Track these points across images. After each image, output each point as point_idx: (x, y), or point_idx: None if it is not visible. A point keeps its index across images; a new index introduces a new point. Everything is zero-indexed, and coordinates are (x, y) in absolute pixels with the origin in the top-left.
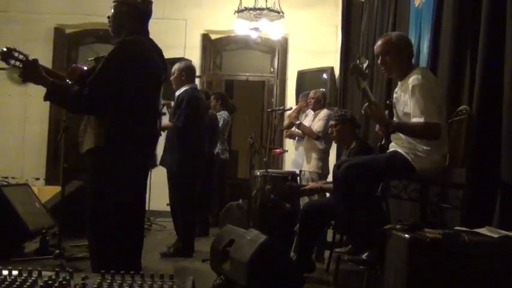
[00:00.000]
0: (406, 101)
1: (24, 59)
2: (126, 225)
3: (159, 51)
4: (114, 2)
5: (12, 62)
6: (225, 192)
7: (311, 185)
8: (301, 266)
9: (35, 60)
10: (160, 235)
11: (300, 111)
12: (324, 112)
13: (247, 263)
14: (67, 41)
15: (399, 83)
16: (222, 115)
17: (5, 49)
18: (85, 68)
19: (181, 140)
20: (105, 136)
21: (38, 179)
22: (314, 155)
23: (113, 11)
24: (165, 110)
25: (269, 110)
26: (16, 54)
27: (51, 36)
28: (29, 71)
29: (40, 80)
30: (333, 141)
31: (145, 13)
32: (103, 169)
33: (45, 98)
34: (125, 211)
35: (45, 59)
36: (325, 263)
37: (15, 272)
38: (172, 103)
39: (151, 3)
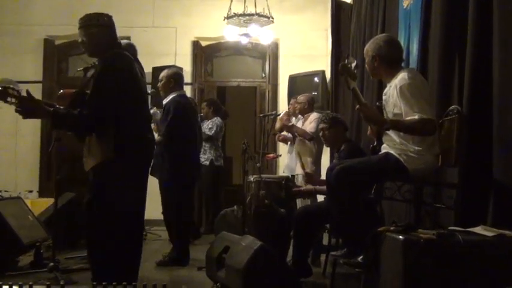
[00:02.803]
0: (395, 101)
1: (18, 95)
2: (130, 236)
3: (137, 61)
4: (80, 28)
5: (9, 99)
6: (221, 200)
7: (306, 187)
8: (298, 270)
9: (28, 95)
10: (156, 244)
11: (289, 116)
12: (314, 115)
13: (243, 269)
14: (57, 52)
15: (388, 85)
16: (215, 122)
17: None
18: (73, 91)
19: (169, 150)
20: (112, 150)
21: (31, 191)
22: (306, 159)
23: (83, 36)
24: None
25: (261, 115)
26: (10, 91)
27: (41, 47)
28: (27, 109)
29: (40, 114)
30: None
31: (112, 27)
32: (112, 182)
33: (51, 128)
34: (131, 223)
35: (36, 70)
36: (321, 267)
37: (6, 287)
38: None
39: (111, 16)
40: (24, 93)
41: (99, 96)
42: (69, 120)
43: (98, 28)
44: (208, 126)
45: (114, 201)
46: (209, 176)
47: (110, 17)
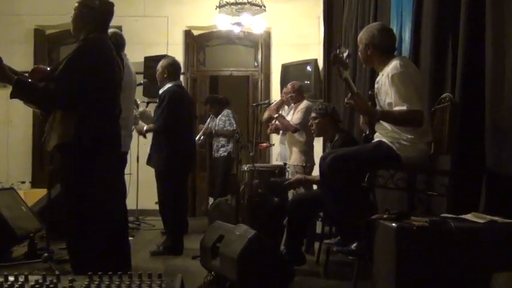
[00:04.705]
0: (387, 90)
1: None
2: (99, 224)
3: (119, 54)
4: (76, 3)
5: None
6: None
7: (296, 177)
8: (291, 258)
9: None
10: (150, 234)
11: (281, 105)
12: (303, 104)
13: (237, 258)
14: (48, 42)
15: (380, 73)
16: (228, 114)
17: None
18: (48, 68)
19: (166, 139)
20: (73, 132)
21: (23, 182)
22: (295, 149)
23: (73, 12)
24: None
25: (254, 104)
26: None
27: (32, 37)
28: None
29: (4, 78)
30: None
31: (105, 14)
32: (70, 165)
33: (12, 96)
34: (94, 206)
35: (26, 60)
36: (315, 255)
37: (0, 279)
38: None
39: (111, 4)
40: None
41: (68, 74)
42: (33, 90)
43: (88, 9)
44: (226, 122)
45: (77, 185)
46: (225, 167)
47: (104, 3)
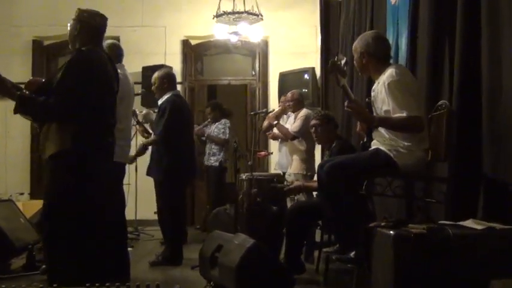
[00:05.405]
0: (384, 98)
1: None
2: (90, 233)
3: (112, 62)
4: (72, 19)
5: None
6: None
7: (294, 184)
8: (291, 267)
9: None
10: (149, 244)
11: (281, 114)
12: (303, 112)
13: (236, 268)
14: (46, 53)
15: (376, 81)
16: (226, 124)
17: None
18: (43, 80)
19: (166, 149)
20: (71, 139)
21: (22, 193)
22: (296, 157)
23: (69, 28)
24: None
25: (252, 113)
26: None
27: (30, 48)
28: None
29: (6, 94)
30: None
31: (99, 28)
32: (67, 171)
33: (15, 111)
34: (79, 217)
35: (25, 71)
36: (314, 264)
37: None
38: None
39: (105, 18)
40: None
41: (66, 88)
42: (34, 105)
43: (82, 24)
44: (221, 130)
45: (68, 188)
46: (218, 177)
47: (98, 18)
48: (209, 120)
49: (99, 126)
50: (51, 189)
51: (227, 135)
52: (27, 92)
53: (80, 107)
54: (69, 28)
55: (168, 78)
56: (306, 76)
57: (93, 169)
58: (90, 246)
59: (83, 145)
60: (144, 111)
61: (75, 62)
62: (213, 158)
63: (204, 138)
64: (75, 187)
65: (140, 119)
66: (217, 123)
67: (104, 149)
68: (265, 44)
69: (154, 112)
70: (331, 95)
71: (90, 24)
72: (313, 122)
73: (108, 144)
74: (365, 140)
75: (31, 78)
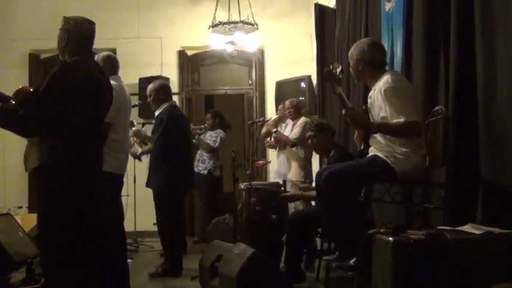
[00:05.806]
0: (380, 105)
1: None
2: (77, 244)
3: (102, 72)
4: (59, 29)
5: None
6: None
7: (292, 192)
8: (291, 276)
9: None
10: (148, 256)
11: (279, 121)
12: (302, 119)
13: (236, 277)
14: (43, 66)
15: (372, 88)
16: (219, 134)
17: None
18: (31, 89)
19: (164, 159)
20: (48, 154)
21: (20, 207)
22: (295, 164)
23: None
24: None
25: (249, 122)
26: None
27: (26, 61)
28: None
29: None
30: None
31: (86, 36)
32: (48, 187)
33: None
34: (71, 230)
35: (22, 85)
36: (315, 272)
37: None
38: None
39: (91, 26)
40: None
41: (46, 100)
42: (12, 119)
43: (69, 33)
44: (212, 138)
45: (51, 205)
46: (207, 186)
47: (85, 25)
48: (206, 126)
49: (83, 138)
50: (41, 201)
51: (216, 144)
52: (13, 102)
53: (60, 120)
54: (57, 38)
55: (164, 90)
56: (302, 84)
57: (78, 181)
58: (89, 258)
59: (61, 158)
60: (134, 128)
61: (57, 74)
62: (202, 165)
63: (194, 141)
64: (62, 199)
65: (130, 134)
66: (211, 132)
67: (87, 161)
68: (261, 53)
69: (152, 123)
70: (328, 103)
71: (78, 32)
72: (308, 133)
73: (93, 156)
74: (362, 147)
75: (20, 87)
